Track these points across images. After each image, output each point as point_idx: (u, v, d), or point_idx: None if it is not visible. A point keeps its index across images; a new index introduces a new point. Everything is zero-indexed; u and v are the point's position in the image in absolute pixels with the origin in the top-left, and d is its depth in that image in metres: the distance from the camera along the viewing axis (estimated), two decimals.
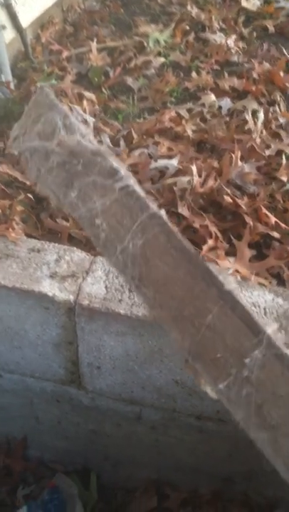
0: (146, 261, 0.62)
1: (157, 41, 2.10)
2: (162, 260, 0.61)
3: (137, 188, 0.63)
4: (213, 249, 1.21)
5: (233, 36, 2.13)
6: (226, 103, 1.75)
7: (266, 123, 1.63)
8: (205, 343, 0.59)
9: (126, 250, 0.62)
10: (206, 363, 0.60)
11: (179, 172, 1.42)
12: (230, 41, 2.08)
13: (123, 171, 0.63)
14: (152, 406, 1.24)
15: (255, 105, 1.72)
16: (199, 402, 1.17)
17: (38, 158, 0.67)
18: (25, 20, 2.04)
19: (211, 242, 1.22)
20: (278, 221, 1.30)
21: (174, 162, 1.44)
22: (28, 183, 1.43)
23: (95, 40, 2.07)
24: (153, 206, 0.62)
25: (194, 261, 0.60)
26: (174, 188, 1.35)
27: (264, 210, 1.31)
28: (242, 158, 1.45)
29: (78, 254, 1.16)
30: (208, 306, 0.59)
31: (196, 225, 1.27)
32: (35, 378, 1.30)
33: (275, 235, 1.28)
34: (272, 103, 1.75)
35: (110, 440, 1.41)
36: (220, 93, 1.81)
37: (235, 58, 2.02)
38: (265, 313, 1.01)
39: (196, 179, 1.36)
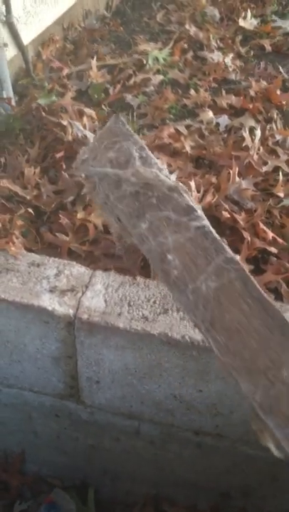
0: (220, 306, 0.60)
1: (156, 59, 2.14)
2: (237, 307, 0.59)
3: (213, 230, 0.62)
4: None
5: (231, 55, 2.16)
6: (224, 120, 1.78)
7: (263, 140, 1.66)
8: (280, 397, 0.56)
9: (198, 291, 0.61)
10: (280, 419, 0.57)
11: None
12: (228, 60, 2.12)
13: (199, 210, 0.63)
14: (151, 420, 1.24)
15: (252, 122, 1.75)
16: (198, 417, 1.18)
17: (107, 185, 0.66)
18: (27, 37, 2.07)
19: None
20: (276, 236, 1.32)
21: (173, 177, 1.45)
22: (28, 197, 1.45)
23: (95, 57, 2.10)
24: (229, 250, 0.61)
25: (271, 312, 0.58)
26: None
27: (261, 226, 1.33)
28: (239, 175, 1.47)
29: (78, 269, 1.17)
30: (285, 359, 0.56)
31: None
32: (34, 392, 1.30)
33: (273, 250, 1.29)
34: (269, 120, 1.78)
35: (109, 455, 1.41)
36: (218, 110, 1.84)
37: (232, 76, 2.06)
38: None
39: (195, 194, 1.38)
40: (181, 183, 0.64)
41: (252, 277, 0.59)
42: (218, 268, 0.61)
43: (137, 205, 0.65)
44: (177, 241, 0.63)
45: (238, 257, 0.61)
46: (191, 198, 0.64)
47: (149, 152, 0.66)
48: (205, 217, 0.63)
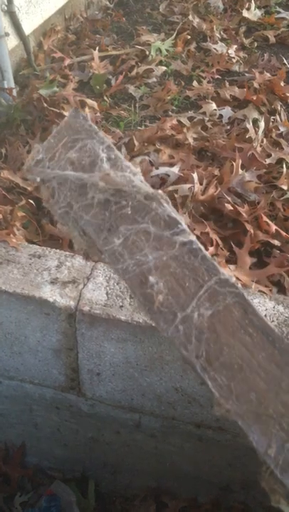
0: (217, 338, 0.51)
1: (159, 50, 2.12)
2: (237, 339, 0.51)
3: (202, 247, 0.53)
4: (213, 256, 1.22)
5: (234, 46, 2.15)
6: (227, 112, 1.77)
7: (267, 132, 1.64)
8: None
9: (189, 320, 0.52)
10: None
11: (180, 179, 1.43)
12: (232, 51, 2.10)
13: (184, 223, 0.54)
14: (152, 414, 1.23)
15: (255, 114, 1.73)
16: (199, 410, 1.17)
17: (69, 191, 0.56)
18: (28, 27, 2.06)
19: (211, 249, 1.23)
20: (279, 229, 1.31)
21: (175, 169, 1.45)
22: (29, 188, 1.43)
23: (97, 48, 2.09)
24: (223, 271, 0.53)
25: (279, 343, 0.50)
26: (175, 196, 1.36)
27: (264, 218, 1.32)
28: (243, 167, 1.46)
29: (79, 260, 1.16)
30: None
31: (197, 232, 1.27)
32: (34, 385, 1.29)
33: (276, 242, 1.28)
34: (272, 112, 1.76)
35: (109, 448, 1.40)
36: (221, 102, 1.83)
37: (236, 68, 2.04)
38: None
39: (197, 187, 1.37)
40: (160, 191, 0.55)
41: (252, 302, 0.52)
42: (211, 292, 0.52)
43: (108, 216, 0.55)
44: (160, 259, 0.53)
45: (233, 279, 0.52)
46: (173, 208, 0.54)
47: (119, 153, 0.57)
48: (191, 232, 0.53)
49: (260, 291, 1.13)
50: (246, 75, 1.99)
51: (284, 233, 1.30)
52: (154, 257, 0.53)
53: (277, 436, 0.49)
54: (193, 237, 0.53)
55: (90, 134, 0.57)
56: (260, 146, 1.56)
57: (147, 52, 2.09)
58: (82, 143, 0.57)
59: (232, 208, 1.33)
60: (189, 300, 0.52)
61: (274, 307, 1.06)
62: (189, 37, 2.22)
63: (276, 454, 0.49)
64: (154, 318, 0.53)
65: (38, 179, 0.58)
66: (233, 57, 2.08)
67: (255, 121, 1.68)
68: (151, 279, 0.53)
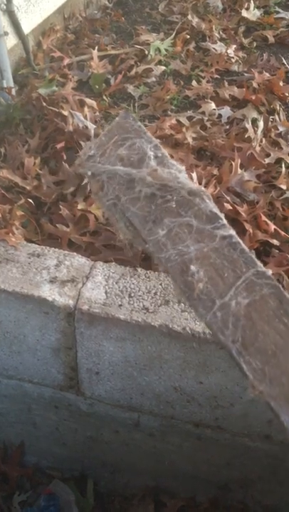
0: (252, 325, 0.54)
1: (158, 50, 2.12)
2: (272, 327, 0.53)
3: (241, 241, 0.57)
4: None
5: (234, 46, 2.14)
6: (226, 111, 1.77)
7: (266, 131, 1.64)
8: None
9: (227, 308, 0.55)
10: None
11: None
12: (231, 51, 2.10)
13: (224, 219, 0.57)
14: (151, 413, 1.23)
15: (255, 114, 1.73)
16: (198, 409, 1.17)
17: (118, 185, 0.60)
18: (27, 27, 2.05)
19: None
20: (278, 229, 1.31)
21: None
22: (28, 188, 1.43)
23: (97, 47, 2.08)
24: (260, 264, 0.56)
25: None
26: None
27: (264, 218, 1.32)
28: (242, 166, 1.46)
29: (78, 259, 1.17)
30: None
31: None
32: (33, 384, 1.30)
33: (275, 242, 1.28)
34: (271, 112, 1.76)
35: (108, 447, 1.40)
36: (220, 102, 1.83)
37: (235, 68, 2.04)
38: None
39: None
40: (203, 188, 0.59)
41: (287, 294, 0.54)
42: (249, 283, 0.55)
43: (154, 209, 0.59)
44: (200, 251, 0.56)
45: (270, 272, 0.56)
46: (214, 204, 0.58)
47: (165, 151, 0.61)
48: (231, 227, 0.57)
49: None
50: (245, 74, 1.99)
51: (283, 233, 1.30)
52: (195, 248, 0.57)
53: None
54: (233, 232, 0.57)
55: (139, 134, 0.62)
56: (259, 145, 1.56)
57: (146, 52, 2.09)
58: (132, 141, 0.61)
59: (231, 208, 1.33)
60: (227, 289, 0.55)
61: None
62: (188, 37, 2.21)
63: None
64: (193, 305, 0.57)
65: (90, 173, 0.62)
66: (232, 57, 2.08)
67: (254, 121, 1.68)
68: (193, 268, 0.56)
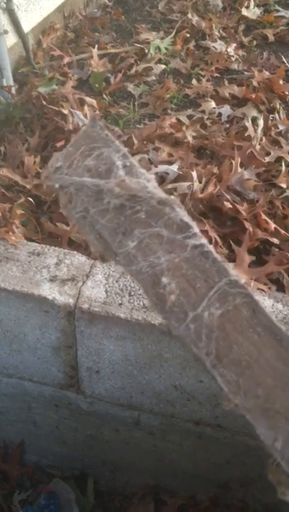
0: (226, 336, 0.53)
1: (158, 48, 2.12)
2: (246, 337, 0.53)
3: (213, 250, 0.56)
4: None
5: (233, 44, 2.14)
6: (226, 110, 1.77)
7: (266, 130, 1.64)
8: None
9: (199, 319, 0.54)
10: None
11: (179, 177, 1.43)
12: (231, 49, 2.10)
13: (195, 227, 0.56)
14: (151, 411, 1.23)
15: (254, 112, 1.73)
16: (198, 407, 1.17)
17: (86, 197, 0.59)
18: (27, 25, 2.05)
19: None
20: (278, 227, 1.31)
21: (174, 168, 1.45)
22: (28, 186, 1.43)
23: (96, 46, 2.08)
24: (233, 272, 0.55)
25: (286, 343, 0.52)
26: (174, 194, 1.36)
27: (263, 216, 1.32)
28: (242, 165, 1.46)
29: (78, 258, 1.17)
30: None
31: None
32: (33, 382, 1.29)
33: (275, 241, 1.28)
34: (271, 111, 1.76)
35: (108, 445, 1.40)
36: (220, 100, 1.83)
37: (235, 66, 2.04)
38: None
39: (196, 185, 1.37)
40: (172, 196, 0.58)
41: (260, 303, 0.54)
42: (221, 293, 0.54)
43: (123, 220, 0.57)
44: (172, 261, 0.55)
45: (243, 280, 0.55)
46: (185, 213, 0.57)
47: (134, 160, 0.59)
48: (202, 235, 0.56)
49: (259, 289, 1.13)
50: (245, 73, 1.99)
51: (283, 231, 1.30)
52: (166, 259, 0.55)
53: (283, 430, 0.51)
54: (204, 241, 0.55)
55: (107, 143, 0.60)
56: (259, 144, 1.56)
57: (146, 51, 2.09)
58: (99, 151, 0.59)
59: (231, 206, 1.33)
60: (200, 300, 0.54)
61: (273, 305, 1.06)
62: (188, 35, 2.21)
63: (282, 447, 0.51)
64: (166, 317, 0.55)
65: (57, 185, 0.60)
66: (232, 56, 2.08)
67: (254, 120, 1.68)
68: (164, 279, 0.55)
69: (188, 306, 0.54)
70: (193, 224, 0.56)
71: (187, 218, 0.56)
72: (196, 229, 0.56)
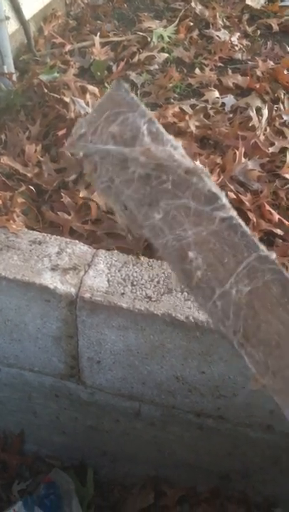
0: (254, 314, 0.51)
1: (161, 37, 2.09)
2: (275, 316, 0.50)
3: (242, 223, 0.53)
4: None
5: (237, 34, 2.12)
6: (230, 100, 1.74)
7: (270, 120, 1.62)
8: None
9: (227, 296, 0.52)
10: None
11: None
12: (234, 39, 2.07)
13: (224, 198, 0.53)
14: (152, 402, 1.23)
15: (258, 102, 1.71)
16: (199, 398, 1.17)
17: (111, 165, 0.56)
18: (28, 12, 2.02)
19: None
20: (282, 218, 1.29)
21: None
22: (29, 175, 1.42)
23: (98, 34, 2.05)
24: (263, 247, 0.52)
25: None
26: None
27: (267, 207, 1.31)
28: (245, 155, 1.44)
29: (80, 247, 1.15)
30: None
31: None
32: (34, 372, 1.29)
33: (279, 232, 1.27)
34: (276, 101, 1.74)
35: (108, 436, 1.40)
36: (223, 90, 1.80)
37: (239, 56, 2.01)
38: None
39: None
40: (201, 165, 0.55)
41: None
42: (250, 269, 0.51)
43: (149, 191, 0.54)
44: (199, 235, 0.52)
45: (273, 256, 0.52)
46: (213, 183, 0.54)
47: (160, 126, 0.56)
48: (231, 207, 0.53)
49: None
50: (249, 63, 1.96)
51: (287, 222, 1.29)
52: (193, 233, 0.53)
53: None
54: (233, 213, 0.53)
55: (132, 107, 0.56)
56: (263, 134, 1.54)
57: (149, 39, 2.06)
58: (124, 116, 0.55)
59: (235, 197, 1.32)
60: (228, 276, 0.52)
61: None
62: (192, 24, 2.18)
63: None
64: (192, 294, 0.54)
65: (81, 154, 0.57)
66: (236, 45, 2.05)
67: (258, 110, 1.66)
68: (191, 254, 0.52)
69: (215, 282, 0.52)
70: (222, 194, 0.53)
71: (216, 188, 0.53)
72: (224, 199, 0.53)
